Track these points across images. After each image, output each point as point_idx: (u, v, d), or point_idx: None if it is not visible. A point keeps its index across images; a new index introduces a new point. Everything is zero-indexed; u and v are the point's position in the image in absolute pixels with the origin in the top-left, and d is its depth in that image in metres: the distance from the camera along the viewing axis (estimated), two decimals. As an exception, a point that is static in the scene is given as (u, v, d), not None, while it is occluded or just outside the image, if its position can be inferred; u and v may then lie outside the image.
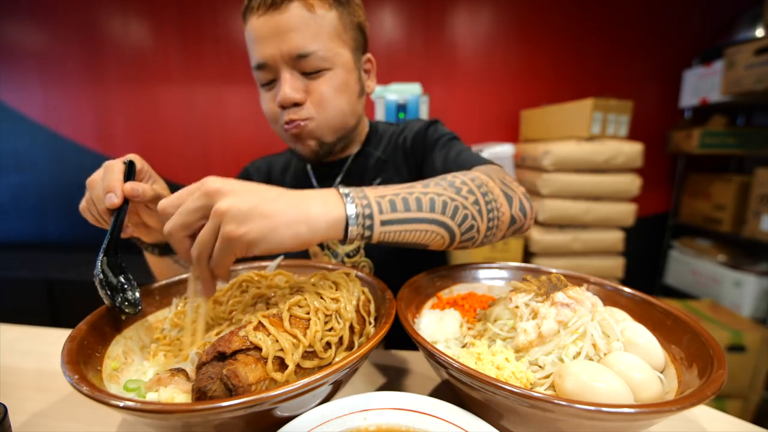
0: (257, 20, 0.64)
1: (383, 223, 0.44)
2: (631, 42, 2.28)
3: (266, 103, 0.70)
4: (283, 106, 0.67)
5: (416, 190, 0.47)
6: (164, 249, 0.64)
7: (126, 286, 0.50)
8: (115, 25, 2.37)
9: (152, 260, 0.69)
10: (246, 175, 0.90)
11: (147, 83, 2.42)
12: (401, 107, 1.93)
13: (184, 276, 0.60)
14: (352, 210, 0.42)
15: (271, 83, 0.68)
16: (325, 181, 0.83)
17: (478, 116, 2.42)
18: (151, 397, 0.40)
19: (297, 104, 0.66)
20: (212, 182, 0.39)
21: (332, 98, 0.67)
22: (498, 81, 2.37)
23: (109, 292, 0.47)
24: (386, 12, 2.31)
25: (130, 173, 0.52)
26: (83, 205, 0.53)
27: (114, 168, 0.49)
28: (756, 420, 1.55)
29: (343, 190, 0.44)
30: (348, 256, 0.79)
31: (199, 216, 0.39)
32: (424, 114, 1.96)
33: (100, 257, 0.48)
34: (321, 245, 0.80)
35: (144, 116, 2.47)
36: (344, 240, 0.43)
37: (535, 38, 2.31)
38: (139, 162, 0.55)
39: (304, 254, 0.81)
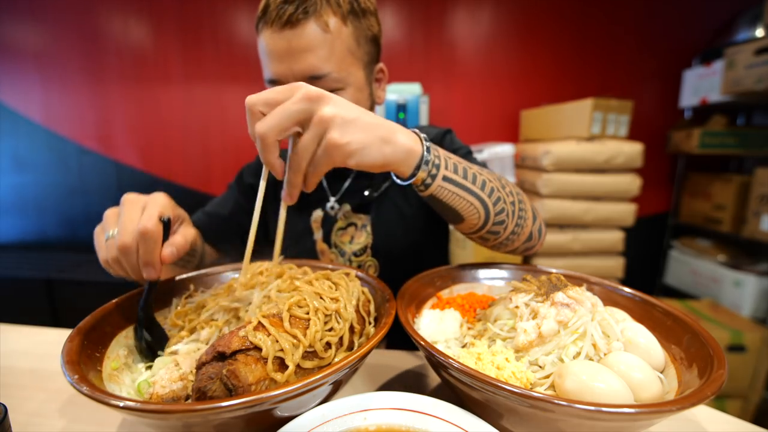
0: (271, 35, 0.62)
1: (444, 178, 0.47)
2: (631, 42, 2.28)
3: None
4: None
5: (474, 167, 0.52)
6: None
7: (162, 340, 0.50)
8: (115, 25, 2.37)
9: None
10: (259, 166, 0.87)
11: (147, 83, 2.43)
12: (401, 107, 1.93)
13: (184, 276, 0.60)
14: (428, 154, 0.46)
15: None
16: (336, 182, 0.83)
17: (478, 116, 2.42)
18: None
19: None
20: (310, 88, 0.39)
21: None
22: (498, 81, 2.37)
23: (148, 352, 0.48)
24: (386, 12, 2.31)
25: (165, 230, 0.48)
26: (107, 259, 0.49)
27: (151, 238, 0.45)
28: (756, 420, 1.55)
29: (424, 135, 0.47)
30: (355, 255, 0.80)
31: (299, 120, 0.39)
32: (424, 114, 1.96)
33: (140, 328, 0.48)
34: (329, 243, 0.80)
35: (144, 116, 2.47)
36: (410, 177, 0.46)
37: (535, 38, 2.31)
38: (171, 209, 0.51)
39: (311, 252, 0.82)
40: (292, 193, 0.44)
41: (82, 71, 2.43)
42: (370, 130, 0.41)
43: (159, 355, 0.48)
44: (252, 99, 0.40)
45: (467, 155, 0.77)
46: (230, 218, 0.86)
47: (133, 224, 0.46)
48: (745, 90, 1.72)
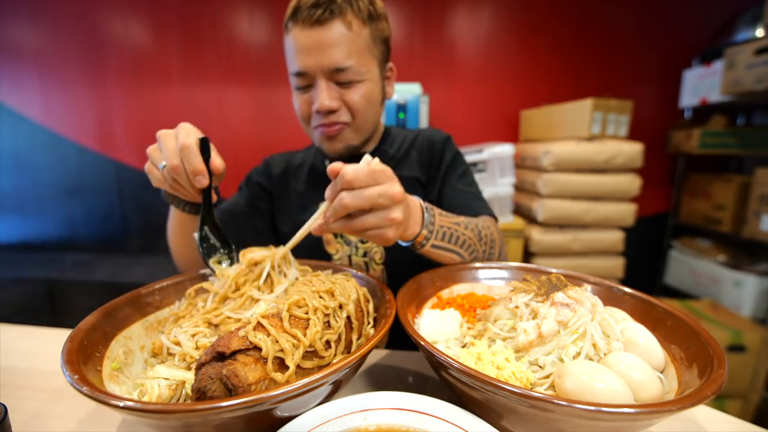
0: (300, 32, 0.70)
1: (433, 246, 0.61)
2: (631, 42, 2.28)
3: (300, 104, 0.77)
4: (320, 112, 0.74)
5: (460, 229, 0.65)
6: (197, 207, 0.68)
7: (222, 248, 0.60)
8: (115, 25, 2.37)
9: (178, 217, 0.71)
10: (266, 167, 0.94)
11: (147, 83, 2.42)
12: (401, 107, 1.92)
13: (179, 279, 0.60)
14: (423, 233, 0.59)
15: (306, 88, 0.75)
16: None
17: (478, 116, 2.42)
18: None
19: (332, 111, 0.74)
20: (399, 190, 0.49)
21: (363, 108, 0.76)
22: (498, 81, 2.37)
23: (205, 252, 0.58)
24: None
25: (204, 149, 0.55)
26: (169, 186, 0.57)
27: (192, 151, 0.53)
28: (756, 420, 1.55)
29: (427, 215, 0.59)
30: (361, 242, 0.83)
31: (374, 205, 0.48)
32: (424, 114, 1.95)
33: (200, 226, 0.58)
34: (334, 233, 0.85)
35: (144, 116, 2.47)
36: (410, 242, 0.59)
37: (535, 38, 2.31)
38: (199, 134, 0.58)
39: (318, 242, 0.84)
40: (324, 231, 0.52)
41: (81, 71, 2.42)
42: (405, 227, 0.54)
43: (218, 254, 0.58)
44: (353, 176, 0.47)
45: (465, 173, 0.86)
46: (242, 215, 0.90)
47: (174, 148, 0.54)
48: (745, 90, 1.72)
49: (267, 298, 0.51)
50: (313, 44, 0.69)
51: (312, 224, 0.54)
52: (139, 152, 2.53)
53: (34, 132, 2.50)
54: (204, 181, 0.54)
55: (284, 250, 0.57)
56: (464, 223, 0.67)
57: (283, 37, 0.76)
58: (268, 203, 0.92)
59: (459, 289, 0.63)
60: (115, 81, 2.43)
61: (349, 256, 0.83)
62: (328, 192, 0.49)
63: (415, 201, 0.59)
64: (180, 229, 0.72)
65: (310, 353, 0.41)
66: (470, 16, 2.31)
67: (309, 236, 0.87)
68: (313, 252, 0.84)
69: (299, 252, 0.82)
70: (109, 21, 2.37)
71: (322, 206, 0.52)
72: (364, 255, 0.83)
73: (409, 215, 0.55)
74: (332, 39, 0.69)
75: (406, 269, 0.71)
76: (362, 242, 0.83)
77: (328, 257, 0.84)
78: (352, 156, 0.85)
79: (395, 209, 0.49)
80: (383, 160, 0.86)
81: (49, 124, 2.50)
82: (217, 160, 0.57)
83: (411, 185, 0.86)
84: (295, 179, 0.92)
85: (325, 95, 0.71)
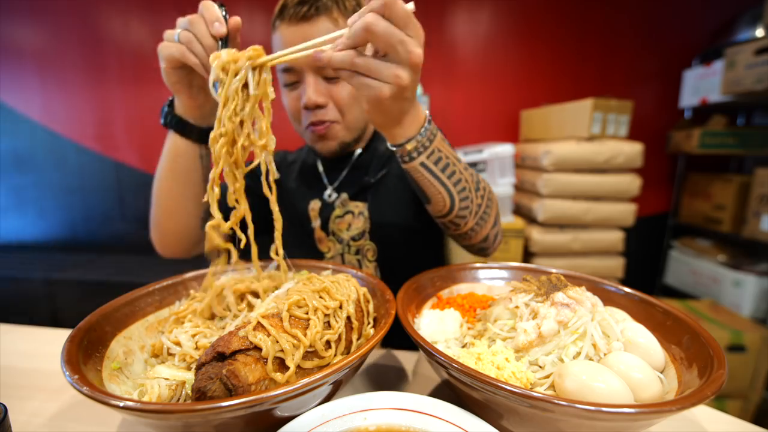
0: (287, 29, 0.71)
1: (421, 164, 0.56)
2: (631, 42, 2.28)
3: (290, 101, 0.77)
4: (308, 108, 0.74)
5: (459, 166, 0.60)
6: (202, 136, 0.66)
7: None
8: (115, 25, 2.37)
9: (175, 149, 0.67)
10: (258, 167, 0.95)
11: (147, 83, 2.42)
12: (401, 107, 1.92)
13: (178, 279, 0.60)
14: (417, 138, 0.55)
15: (295, 84, 0.75)
16: (333, 173, 0.88)
17: (478, 116, 2.42)
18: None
19: (319, 106, 0.74)
20: (420, 53, 0.45)
21: (351, 103, 0.75)
22: (498, 81, 2.37)
23: None
24: (386, 12, 2.31)
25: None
26: (174, 52, 0.57)
27: (211, 5, 0.56)
28: (756, 420, 1.55)
29: (427, 126, 0.55)
30: (353, 239, 0.83)
31: (390, 49, 0.44)
32: (424, 114, 1.95)
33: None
34: (327, 231, 0.85)
35: (144, 116, 2.47)
36: (399, 144, 0.55)
37: (535, 38, 2.31)
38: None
39: (310, 240, 0.84)
40: (324, 58, 0.47)
41: (81, 71, 2.42)
42: (402, 116, 0.51)
43: None
44: (395, 8, 0.43)
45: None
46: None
47: (189, 16, 0.56)
48: (745, 90, 1.72)
49: (265, 303, 0.51)
50: (300, 39, 0.70)
51: (315, 44, 0.49)
52: (139, 152, 2.53)
53: (34, 132, 2.50)
54: (222, 29, 0.55)
55: (267, 61, 0.51)
56: (465, 165, 0.62)
57: (271, 37, 0.76)
58: (261, 204, 0.93)
59: (459, 289, 0.63)
60: (115, 81, 2.43)
61: (342, 254, 0.83)
62: (353, 17, 0.45)
63: (422, 108, 0.55)
64: (175, 164, 0.67)
65: (311, 353, 0.41)
66: (470, 16, 2.31)
67: (301, 234, 0.88)
68: (305, 250, 0.84)
69: (293, 251, 0.82)
70: (109, 21, 2.37)
71: (335, 33, 0.48)
72: (357, 252, 0.83)
73: (411, 110, 0.52)
74: (318, 34, 0.69)
75: (398, 267, 0.71)
76: (354, 239, 0.83)
77: (320, 255, 0.84)
78: (346, 154, 0.86)
79: (406, 70, 0.45)
80: (373, 158, 0.87)
81: (49, 124, 2.50)
82: (234, 17, 0.57)
83: (401, 181, 0.86)
84: (288, 176, 0.93)
85: (312, 89, 0.72)
